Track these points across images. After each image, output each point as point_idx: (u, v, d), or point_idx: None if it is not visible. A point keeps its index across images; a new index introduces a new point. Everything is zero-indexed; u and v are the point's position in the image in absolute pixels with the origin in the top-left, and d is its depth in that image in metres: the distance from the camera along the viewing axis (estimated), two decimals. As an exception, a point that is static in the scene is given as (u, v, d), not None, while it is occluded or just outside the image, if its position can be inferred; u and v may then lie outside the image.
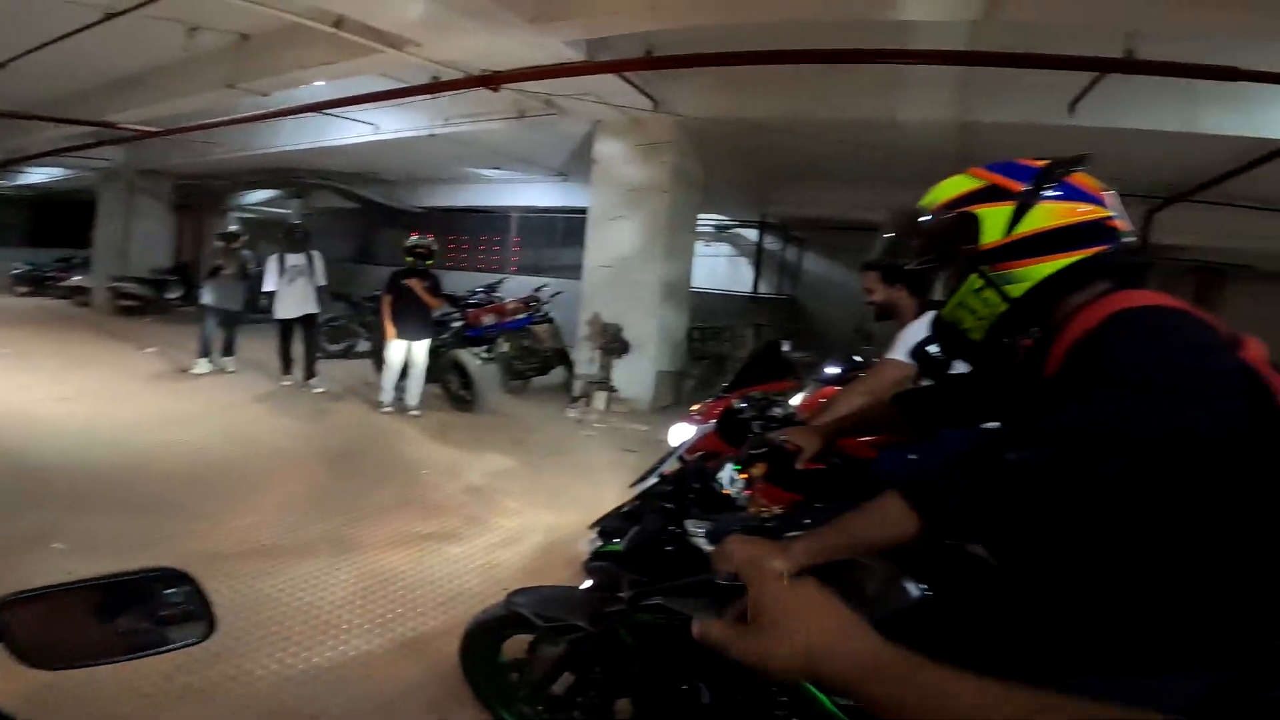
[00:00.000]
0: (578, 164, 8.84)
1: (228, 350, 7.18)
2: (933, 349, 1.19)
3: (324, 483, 4.45)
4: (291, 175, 11.91)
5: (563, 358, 7.16)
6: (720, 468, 1.65)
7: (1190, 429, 0.97)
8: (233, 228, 7.15)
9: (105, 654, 0.90)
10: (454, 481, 4.71)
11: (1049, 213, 1.11)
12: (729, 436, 1.91)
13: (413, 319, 5.98)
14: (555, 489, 4.63)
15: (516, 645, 2.13)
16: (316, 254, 6.67)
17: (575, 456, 5.42)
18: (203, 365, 6.98)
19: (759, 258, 11.74)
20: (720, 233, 11.97)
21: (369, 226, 14.04)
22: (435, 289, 6.06)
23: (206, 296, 7.07)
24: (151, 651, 0.89)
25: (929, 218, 1.19)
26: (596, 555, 1.85)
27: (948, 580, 1.33)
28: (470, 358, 6.38)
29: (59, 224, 16.24)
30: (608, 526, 1.89)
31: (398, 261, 6.35)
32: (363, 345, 7.53)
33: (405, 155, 9.66)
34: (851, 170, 8.07)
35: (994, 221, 1.13)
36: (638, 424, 6.19)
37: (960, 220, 1.14)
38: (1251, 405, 0.99)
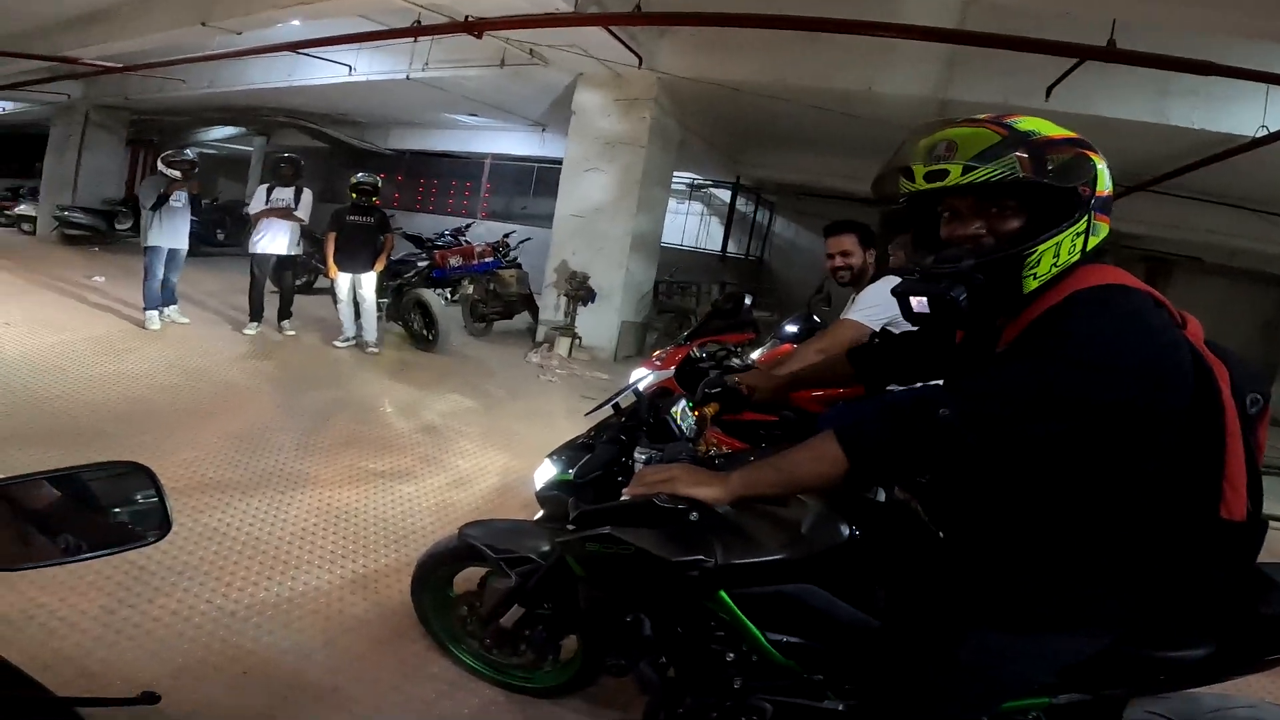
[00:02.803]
0: (556, 115, 8.74)
1: (173, 296, 6.37)
2: (918, 303, 1.18)
3: (274, 418, 4.37)
4: (257, 113, 11.54)
5: (528, 303, 7.16)
6: (674, 405, 1.67)
7: (1129, 402, 0.99)
8: (188, 154, 6.40)
9: (61, 553, 0.85)
10: (410, 420, 4.68)
11: (1106, 180, 1.10)
12: (685, 382, 1.94)
13: (356, 254, 6.00)
14: (512, 432, 4.64)
15: (468, 580, 2.14)
16: (307, 190, 6.30)
17: (534, 401, 5.42)
18: (154, 318, 6.14)
19: (729, 218, 11.77)
20: (693, 191, 11.96)
21: (335, 167, 13.69)
22: (383, 226, 6.12)
23: (152, 234, 6.08)
24: (108, 551, 0.86)
25: (1035, 145, 1.06)
26: (550, 485, 1.87)
27: (876, 525, 1.38)
28: (434, 297, 6.35)
29: (5, 154, 15.51)
30: (562, 457, 1.90)
31: (335, 208, 6.32)
32: (323, 281, 7.35)
33: (379, 98, 9.37)
34: (827, 139, 8.10)
35: (1103, 172, 1.09)
36: (599, 372, 6.23)
37: (1079, 159, 1.07)
38: (1196, 382, 1.03)
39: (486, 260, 7.11)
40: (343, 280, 6.03)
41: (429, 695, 2.07)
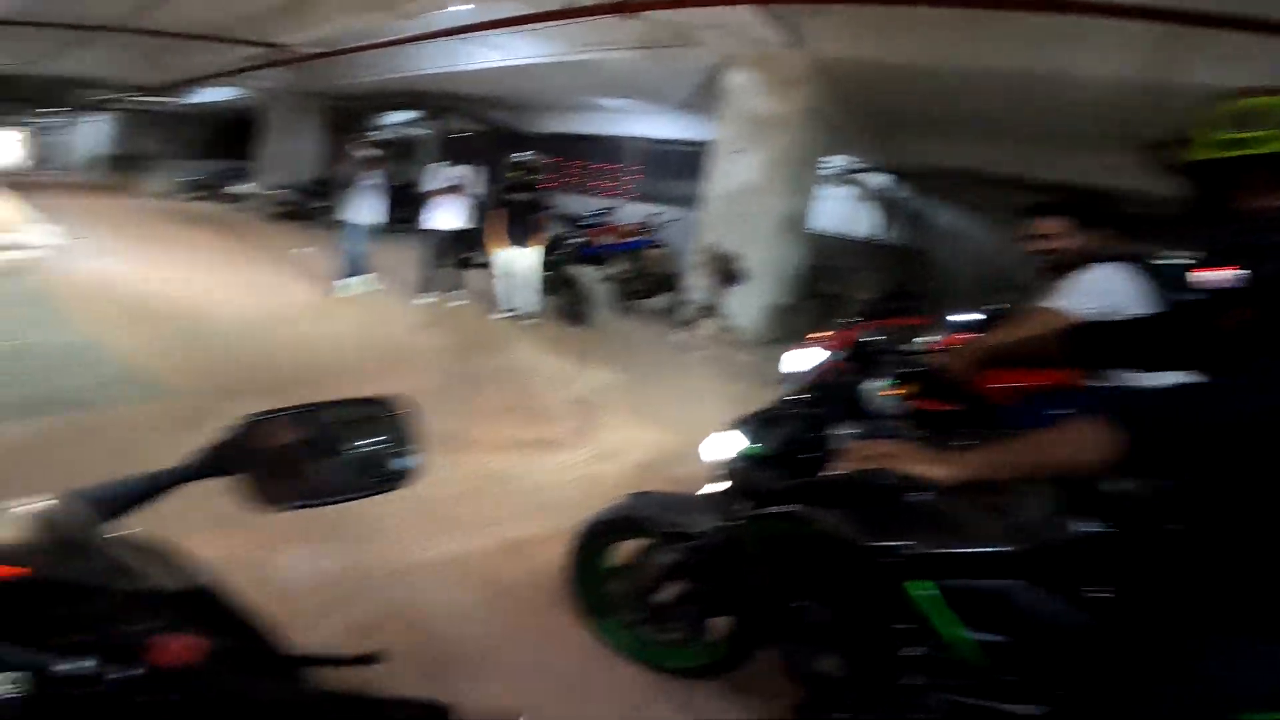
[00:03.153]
0: (702, 97, 8.61)
1: (364, 268, 7.09)
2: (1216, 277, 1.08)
3: (441, 381, 4.70)
4: (428, 98, 12.35)
5: (673, 283, 7.19)
6: (867, 383, 1.57)
7: None
8: (378, 137, 7.24)
9: (323, 493, 0.81)
10: (560, 391, 4.85)
11: None
12: (861, 363, 1.82)
13: (516, 230, 6.30)
14: (658, 409, 4.66)
15: (619, 555, 2.13)
16: (474, 169, 6.79)
17: (680, 380, 5.44)
18: (347, 287, 6.91)
19: (886, 204, 11.08)
20: (847, 175, 11.37)
21: (494, 149, 14.44)
22: (541, 204, 6.37)
23: (347, 211, 6.91)
24: (362, 494, 0.82)
25: None
26: (735, 458, 1.82)
27: (1107, 519, 1.23)
28: (585, 274, 6.53)
29: (227, 138, 17.82)
30: (747, 429, 1.85)
31: (498, 186, 6.68)
32: (481, 257, 7.82)
33: (532, 81, 9.72)
34: (997, 123, 7.34)
35: None
36: (744, 354, 6.12)
37: None
38: None
39: (635, 240, 7.22)
40: (502, 254, 6.39)
41: (572, 667, 2.09)
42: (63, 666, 0.52)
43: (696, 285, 6.84)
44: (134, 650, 0.55)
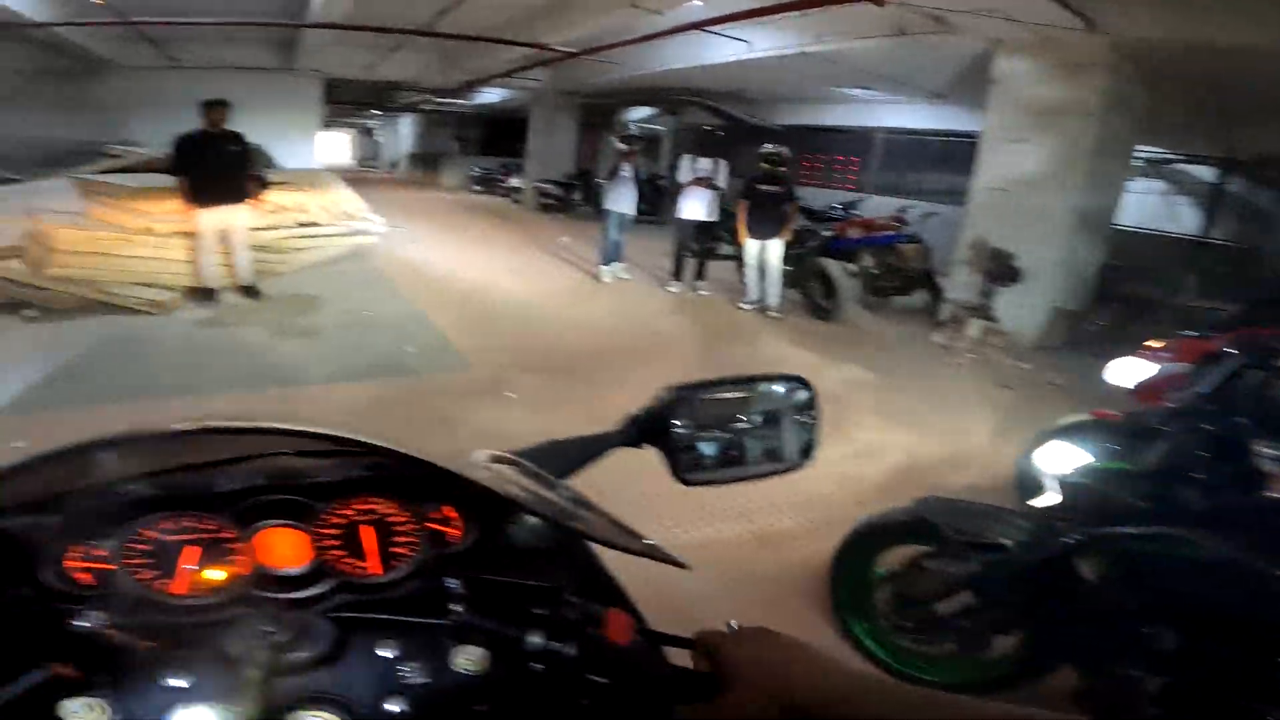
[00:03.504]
0: (961, 85, 8.00)
1: (619, 256, 7.61)
2: None
3: (693, 365, 4.94)
4: (668, 94, 12.73)
5: (928, 280, 6.71)
6: None
7: None
8: (632, 132, 7.72)
9: (736, 470, 0.80)
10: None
11: None
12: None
13: (764, 221, 6.31)
14: (915, 411, 4.44)
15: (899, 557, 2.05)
16: (723, 162, 6.97)
17: (938, 382, 5.10)
18: (606, 273, 7.48)
19: (1210, 198, 9.16)
20: (1160, 167, 9.62)
21: (731, 142, 14.60)
22: (789, 196, 6.34)
23: (607, 200, 7.38)
24: (773, 472, 0.80)
25: None
26: (1080, 472, 1.67)
27: None
28: (837, 268, 6.37)
29: (502, 136, 20.07)
30: (1095, 442, 1.69)
31: (747, 177, 6.66)
32: (724, 249, 7.99)
33: (771, 73, 9.57)
34: None
35: None
36: (1017, 360, 5.55)
37: None
38: None
39: (887, 234, 6.87)
40: (751, 246, 6.47)
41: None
42: (535, 639, 0.52)
43: (960, 283, 6.31)
44: (583, 624, 0.54)
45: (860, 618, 2.13)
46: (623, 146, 7.57)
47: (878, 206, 8.79)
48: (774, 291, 6.49)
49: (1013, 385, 5.02)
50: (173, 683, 0.50)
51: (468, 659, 0.55)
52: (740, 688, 0.49)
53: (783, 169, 6.39)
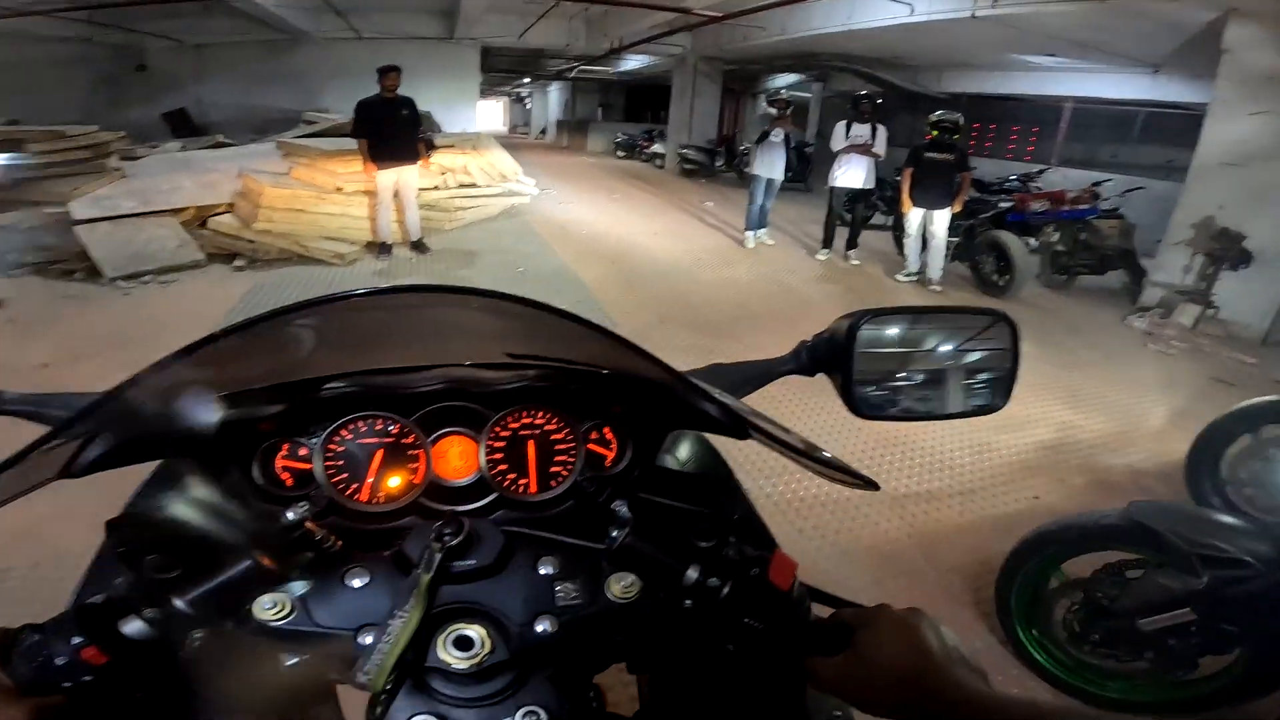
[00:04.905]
0: (1182, 55, 7.06)
1: (765, 222, 7.40)
2: None
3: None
4: (816, 59, 12.13)
5: (1127, 259, 5.90)
6: None
7: None
8: (783, 96, 7.35)
9: (919, 408, 0.76)
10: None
11: None
12: None
13: (931, 190, 5.86)
14: (1081, 391, 4.04)
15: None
16: (881, 128, 6.52)
17: (1134, 370, 4.52)
18: (751, 238, 7.32)
19: None
20: None
21: (886, 111, 13.65)
22: (961, 164, 5.85)
23: (755, 165, 7.10)
24: (953, 412, 0.76)
25: None
26: None
27: None
28: (1016, 241, 5.77)
29: (644, 103, 20.42)
30: None
31: (913, 144, 6.20)
32: (877, 219, 7.48)
33: (937, 39, 8.75)
34: None
35: None
36: (1239, 353, 4.79)
37: None
38: None
39: (1080, 208, 6.10)
40: (914, 216, 6.02)
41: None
42: (692, 574, 0.51)
43: (1171, 265, 5.51)
44: (745, 565, 0.52)
45: (1032, 623, 1.98)
46: (773, 111, 7.27)
47: (1064, 179, 8.24)
48: (937, 264, 6.00)
49: (1231, 380, 4.33)
50: (352, 582, 0.53)
51: (623, 586, 0.54)
52: (870, 656, 0.49)
53: (955, 136, 5.85)
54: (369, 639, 0.49)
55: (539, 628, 0.52)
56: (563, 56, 16.26)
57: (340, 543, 0.54)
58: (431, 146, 6.32)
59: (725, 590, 0.50)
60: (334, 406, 0.65)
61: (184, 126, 11.21)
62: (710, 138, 14.40)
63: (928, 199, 5.90)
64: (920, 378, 0.74)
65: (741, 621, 0.50)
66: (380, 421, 0.65)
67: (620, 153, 17.40)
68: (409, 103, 5.81)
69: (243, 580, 0.48)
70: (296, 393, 0.64)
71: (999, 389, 0.74)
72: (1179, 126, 9.55)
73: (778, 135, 7.04)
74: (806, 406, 3.42)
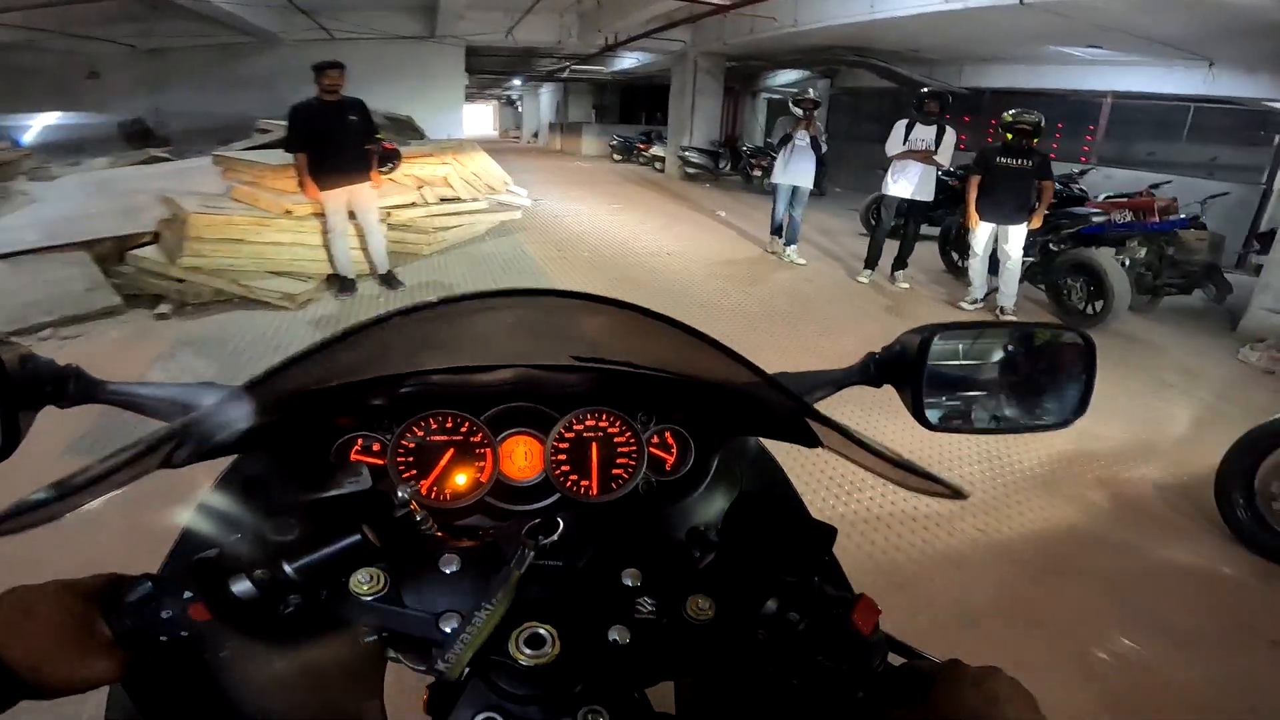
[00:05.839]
0: (1238, 48, 6.54)
1: (794, 233, 6.51)
2: None
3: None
4: (828, 53, 11.32)
5: (1213, 275, 4.97)
6: None
7: None
8: (811, 93, 6.37)
9: (987, 420, 0.71)
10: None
11: None
12: None
13: (1004, 201, 4.92)
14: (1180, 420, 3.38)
15: None
16: (950, 131, 5.51)
17: (1246, 406, 3.66)
18: (788, 253, 6.52)
19: None
20: None
21: (899, 107, 12.79)
22: (1042, 170, 4.89)
23: (776, 171, 6.35)
24: (1024, 426, 0.71)
25: None
26: None
27: None
28: (1113, 263, 4.81)
29: (640, 104, 19.56)
30: None
31: (980, 148, 5.43)
32: (930, 229, 6.44)
33: (967, 29, 7.88)
34: None
35: None
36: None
37: None
38: None
39: (1169, 219, 5.16)
40: (983, 231, 5.05)
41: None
42: (770, 605, 0.49)
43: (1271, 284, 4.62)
44: (829, 605, 0.49)
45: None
46: (798, 111, 6.31)
47: (1105, 181, 7.74)
48: (1010, 289, 5.02)
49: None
50: (446, 569, 0.53)
51: (700, 607, 0.52)
52: (948, 714, 0.45)
53: (1034, 138, 4.87)
54: (451, 626, 0.48)
55: (612, 636, 0.50)
56: (554, 55, 15.43)
57: (437, 528, 0.56)
58: (393, 157, 5.17)
59: (803, 626, 0.49)
60: (407, 404, 0.68)
61: (140, 138, 10.28)
62: (713, 138, 13.49)
63: (999, 213, 4.93)
64: (990, 391, 0.71)
65: (814, 659, 0.48)
66: (450, 420, 0.69)
67: (617, 156, 16.45)
68: (358, 106, 4.67)
69: (349, 553, 0.48)
70: (371, 389, 0.67)
71: (1073, 404, 0.70)
72: (1230, 124, 8.81)
73: (803, 138, 6.17)
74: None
